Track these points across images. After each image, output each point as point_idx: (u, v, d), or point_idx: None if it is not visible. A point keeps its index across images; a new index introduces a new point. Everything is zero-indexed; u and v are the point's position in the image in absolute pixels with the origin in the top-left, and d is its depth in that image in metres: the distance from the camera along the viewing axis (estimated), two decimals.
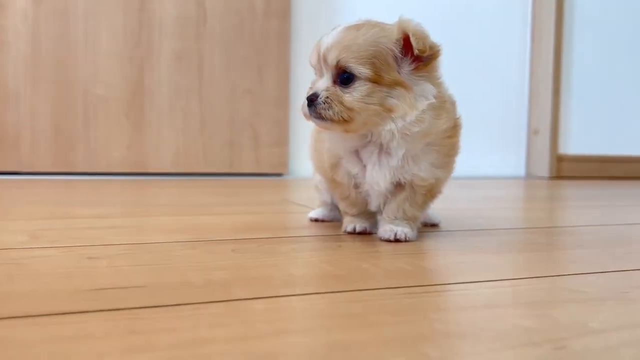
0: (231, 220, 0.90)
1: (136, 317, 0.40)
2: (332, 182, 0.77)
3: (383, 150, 0.70)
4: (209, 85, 1.90)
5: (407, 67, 0.67)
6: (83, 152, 1.81)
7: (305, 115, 0.68)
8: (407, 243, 0.72)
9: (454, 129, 0.72)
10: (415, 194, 0.73)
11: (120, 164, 1.84)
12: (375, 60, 0.65)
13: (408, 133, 0.67)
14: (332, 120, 0.66)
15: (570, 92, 2.24)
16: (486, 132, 2.20)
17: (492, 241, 0.77)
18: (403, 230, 0.72)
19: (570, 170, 2.21)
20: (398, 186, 0.72)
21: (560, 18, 2.17)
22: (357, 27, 0.67)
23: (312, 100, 0.66)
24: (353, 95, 0.65)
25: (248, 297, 0.45)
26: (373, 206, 0.76)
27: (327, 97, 0.65)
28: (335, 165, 0.74)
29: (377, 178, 0.70)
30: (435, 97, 0.68)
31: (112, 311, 0.41)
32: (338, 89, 0.66)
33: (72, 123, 1.80)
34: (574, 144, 2.24)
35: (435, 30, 2.48)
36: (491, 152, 2.22)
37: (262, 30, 1.95)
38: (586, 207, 1.31)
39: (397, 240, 0.72)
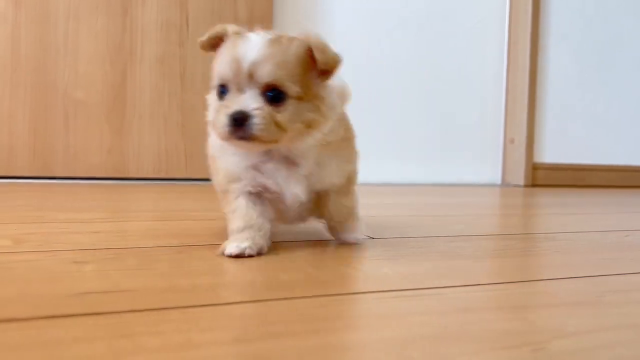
0: (216, 225, 0.91)
1: (123, 321, 0.40)
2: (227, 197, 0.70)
3: (289, 161, 0.68)
4: (191, 91, 1.90)
5: (315, 77, 0.65)
6: (62, 156, 1.79)
7: (223, 135, 0.63)
8: (389, 248, 0.73)
9: (348, 132, 0.73)
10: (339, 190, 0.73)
11: (101, 168, 1.83)
12: (304, 77, 0.63)
13: (323, 144, 0.67)
14: (263, 141, 0.62)
15: (545, 102, 2.29)
16: (464, 141, 2.24)
17: (470, 247, 0.79)
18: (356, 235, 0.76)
19: (545, 178, 2.25)
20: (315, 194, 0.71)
21: (536, 32, 2.22)
22: (278, 41, 0.64)
23: (243, 120, 0.61)
24: (285, 116, 0.62)
25: (236, 301, 0.46)
26: (290, 218, 0.74)
27: (264, 118, 0.61)
28: (234, 182, 0.69)
29: (295, 189, 0.68)
30: (339, 106, 0.69)
31: (100, 315, 0.41)
32: (270, 109, 0.62)
33: (52, 127, 1.78)
34: (549, 153, 2.29)
35: (415, 45, 2.53)
36: (468, 160, 2.26)
37: None
38: (561, 214, 1.34)
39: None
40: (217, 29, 0.67)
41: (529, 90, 2.21)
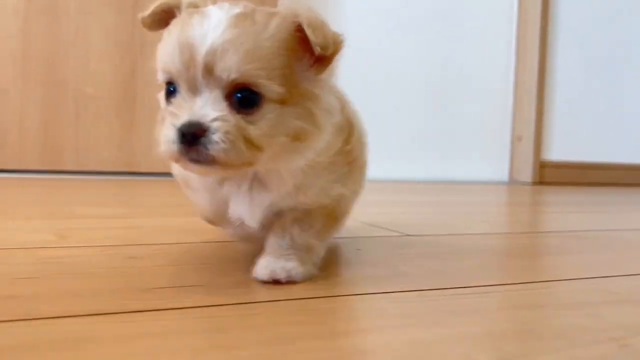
0: None
1: (213, 315, 0.40)
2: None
3: (256, 181, 0.51)
4: None
5: (306, 69, 0.46)
6: (72, 151, 1.78)
7: (170, 155, 0.44)
8: (429, 245, 0.73)
9: (349, 136, 0.53)
10: (311, 215, 0.53)
11: (111, 163, 1.82)
12: (288, 70, 0.44)
13: (314, 165, 0.49)
14: (229, 165, 0.43)
15: (553, 100, 2.31)
16: (471, 138, 2.25)
17: (504, 244, 0.79)
18: (285, 266, 0.49)
19: (552, 176, 2.27)
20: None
21: (545, 30, 2.23)
22: (250, 17, 0.44)
23: (196, 135, 0.42)
24: (260, 128, 0.43)
25: (315, 297, 0.46)
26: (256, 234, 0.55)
27: (228, 132, 0.42)
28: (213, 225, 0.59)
29: (245, 215, 0.52)
30: (337, 111, 0.50)
31: (187, 309, 0.41)
32: (239, 118, 0.43)
33: (62, 121, 1.77)
34: (556, 151, 2.31)
35: (425, 40, 2.51)
36: (476, 158, 2.27)
37: None
38: (579, 212, 1.35)
39: (276, 282, 0.49)
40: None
41: (537, 88, 2.22)
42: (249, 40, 0.43)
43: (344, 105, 0.53)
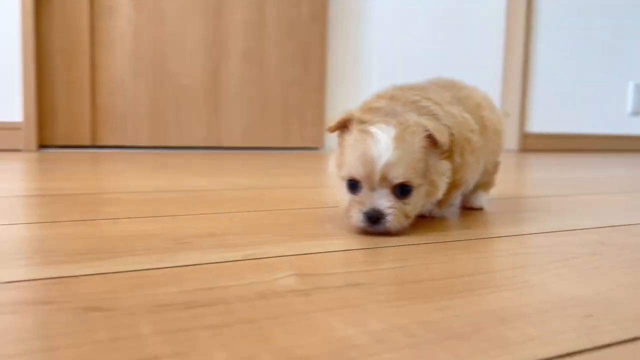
0: None
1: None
2: None
3: None
4: (268, 77, 2.38)
5: (432, 156, 0.70)
6: (173, 130, 2.26)
7: (357, 228, 0.68)
8: (532, 211, 1.24)
9: (451, 152, 0.73)
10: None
11: (202, 139, 2.30)
12: (426, 166, 0.68)
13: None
14: (394, 233, 0.68)
15: (535, 84, 2.86)
16: None
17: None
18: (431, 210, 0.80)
19: (534, 145, 2.88)
20: None
21: (529, 23, 2.76)
22: (403, 138, 0.67)
23: (378, 218, 0.66)
24: (411, 206, 0.68)
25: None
26: None
27: (395, 215, 0.66)
28: None
29: None
30: (449, 170, 0.73)
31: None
32: (400, 204, 0.67)
33: (165, 107, 2.24)
34: (538, 124, 2.91)
35: (429, 28, 3.14)
36: None
37: (307, 32, 2.43)
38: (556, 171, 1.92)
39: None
40: (344, 116, 0.71)
41: (521, 74, 2.77)
42: (406, 157, 0.66)
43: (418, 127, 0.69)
